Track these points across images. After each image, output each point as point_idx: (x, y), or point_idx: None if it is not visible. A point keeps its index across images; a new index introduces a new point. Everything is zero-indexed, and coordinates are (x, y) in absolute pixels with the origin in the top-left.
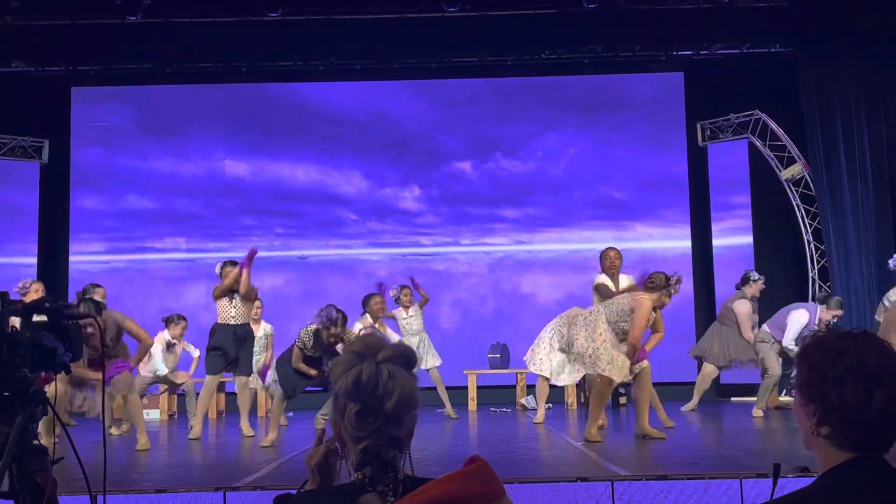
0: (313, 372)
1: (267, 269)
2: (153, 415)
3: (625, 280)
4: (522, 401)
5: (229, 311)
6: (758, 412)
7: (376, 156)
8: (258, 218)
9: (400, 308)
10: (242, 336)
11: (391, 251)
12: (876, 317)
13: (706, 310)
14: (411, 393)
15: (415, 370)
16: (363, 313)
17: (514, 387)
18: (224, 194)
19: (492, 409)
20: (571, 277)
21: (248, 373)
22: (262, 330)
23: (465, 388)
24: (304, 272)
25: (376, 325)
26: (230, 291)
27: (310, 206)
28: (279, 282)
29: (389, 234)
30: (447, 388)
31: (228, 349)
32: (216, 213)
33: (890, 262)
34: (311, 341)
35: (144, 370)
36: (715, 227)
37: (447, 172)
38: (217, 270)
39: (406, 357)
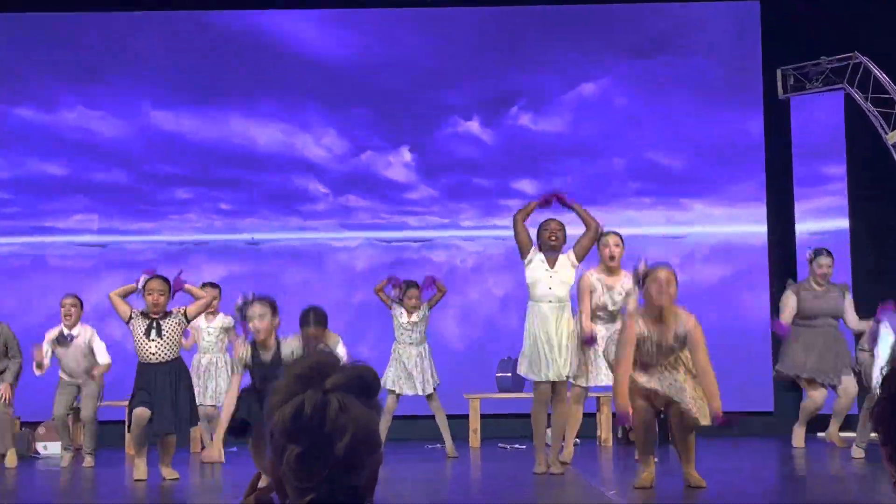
0: None
1: (205, 258)
2: (53, 448)
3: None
4: None
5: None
6: (858, 452)
7: (355, 109)
8: (196, 190)
9: (402, 311)
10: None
11: (371, 235)
12: None
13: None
14: (370, 429)
15: (376, 399)
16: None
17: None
18: (151, 158)
19: (500, 444)
20: None
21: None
22: (218, 322)
23: (466, 417)
24: (255, 261)
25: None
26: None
27: (265, 175)
28: (221, 273)
29: (369, 212)
30: (449, 416)
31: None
32: (140, 182)
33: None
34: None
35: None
36: (799, 208)
37: (447, 133)
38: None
39: (363, 383)
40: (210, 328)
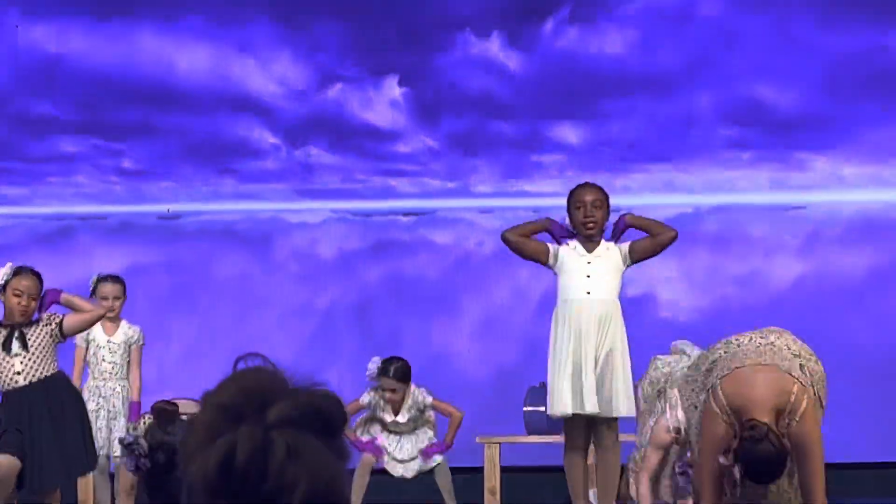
0: None
1: (99, 239)
2: None
3: (611, 253)
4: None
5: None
6: None
7: (318, 23)
8: (86, 140)
9: (380, 402)
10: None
11: (342, 206)
12: None
13: None
14: (332, 484)
15: (341, 439)
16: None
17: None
18: (21, 93)
19: None
20: (699, 254)
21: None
22: (121, 334)
23: (479, 470)
24: (173, 244)
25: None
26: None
27: (188, 119)
28: (123, 262)
29: (339, 173)
30: (451, 470)
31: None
32: (5, 128)
33: None
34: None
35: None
36: None
37: (454, 56)
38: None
39: (322, 415)
40: (112, 343)
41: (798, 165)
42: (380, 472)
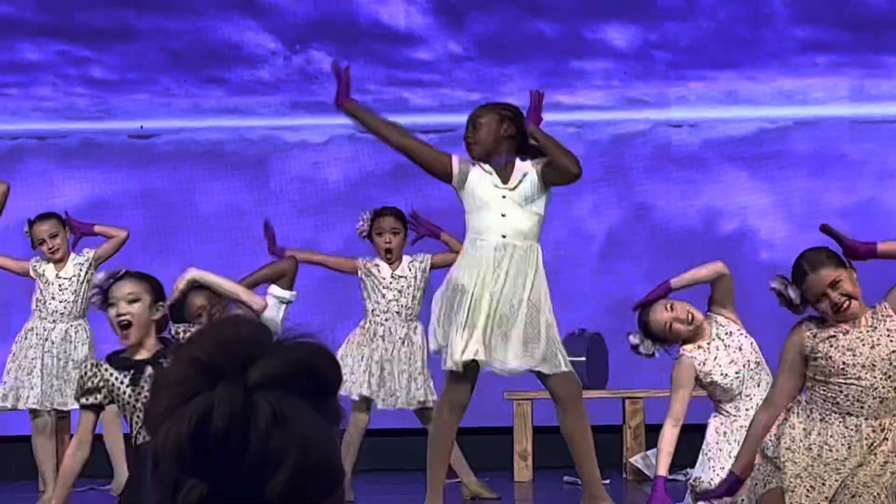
0: None
1: (54, 162)
2: None
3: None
4: (635, 459)
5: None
6: None
7: None
8: (46, 47)
9: (376, 261)
10: None
11: (350, 123)
12: None
13: None
14: (325, 454)
15: (335, 401)
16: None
17: (618, 428)
18: None
19: (566, 478)
20: (793, 180)
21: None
22: (71, 268)
23: (509, 431)
24: (146, 168)
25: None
26: None
27: (167, 21)
28: (84, 191)
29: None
30: (470, 431)
31: None
32: None
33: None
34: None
35: None
36: None
37: None
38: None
39: (313, 373)
40: (62, 279)
41: (889, 71)
42: (374, 434)
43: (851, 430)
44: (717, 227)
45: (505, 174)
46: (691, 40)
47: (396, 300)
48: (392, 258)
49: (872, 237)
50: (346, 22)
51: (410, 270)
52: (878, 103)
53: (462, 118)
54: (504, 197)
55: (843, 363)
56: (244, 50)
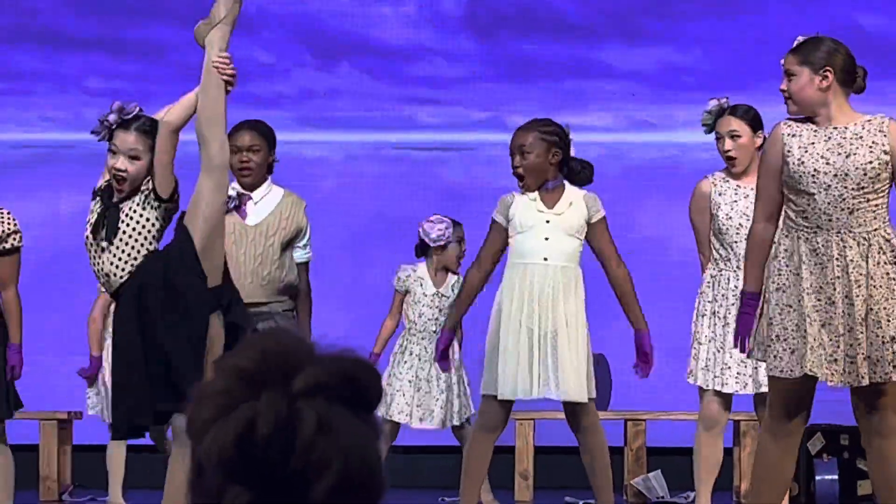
0: None
1: (61, 167)
2: None
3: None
4: (636, 481)
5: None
6: None
7: None
8: (50, 57)
9: (428, 269)
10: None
11: (349, 138)
12: None
13: None
14: (368, 463)
15: (375, 414)
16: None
17: (619, 450)
18: None
19: (567, 499)
20: None
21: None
22: None
23: (510, 451)
24: None
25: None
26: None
27: (169, 33)
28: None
29: (346, 98)
30: None
31: None
32: None
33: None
34: None
35: None
36: None
37: None
38: None
39: (356, 385)
40: None
41: None
42: (398, 450)
43: (821, 245)
44: None
45: (552, 199)
46: (704, 64)
47: (436, 319)
48: (441, 280)
49: None
50: (347, 37)
51: (454, 291)
52: None
53: (467, 136)
54: (548, 221)
55: (815, 169)
56: (240, 65)
